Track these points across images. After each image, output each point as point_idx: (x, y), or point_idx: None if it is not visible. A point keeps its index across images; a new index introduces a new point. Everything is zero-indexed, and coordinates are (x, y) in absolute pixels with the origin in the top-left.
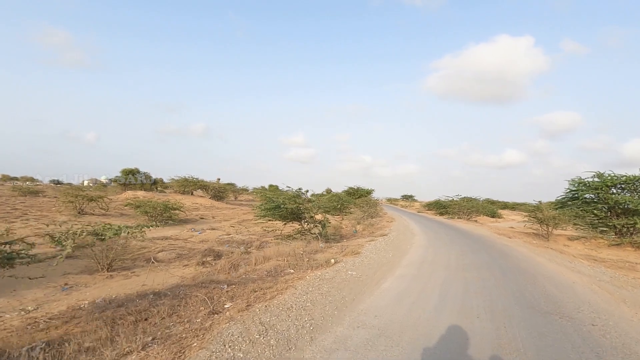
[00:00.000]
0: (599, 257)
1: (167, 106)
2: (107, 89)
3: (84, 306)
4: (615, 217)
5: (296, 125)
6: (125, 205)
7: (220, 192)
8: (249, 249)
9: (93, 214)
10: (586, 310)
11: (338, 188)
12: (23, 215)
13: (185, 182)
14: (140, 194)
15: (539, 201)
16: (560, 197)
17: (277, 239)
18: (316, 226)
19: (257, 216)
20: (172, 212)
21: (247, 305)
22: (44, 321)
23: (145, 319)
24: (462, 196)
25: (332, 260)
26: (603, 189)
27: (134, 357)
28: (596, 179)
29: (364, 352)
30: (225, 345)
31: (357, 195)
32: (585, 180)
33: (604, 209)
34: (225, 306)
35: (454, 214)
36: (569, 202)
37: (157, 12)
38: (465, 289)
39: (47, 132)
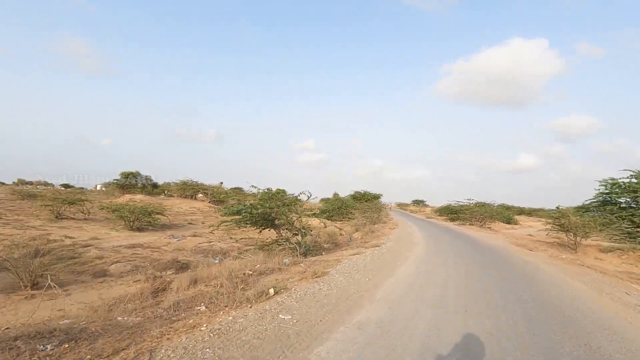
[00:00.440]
0: None
1: (180, 112)
2: (123, 95)
3: None
4: None
5: (307, 130)
6: (101, 209)
7: (219, 196)
8: (223, 260)
9: (73, 218)
10: None
11: (348, 193)
12: None
13: (184, 186)
14: (139, 197)
15: (559, 206)
16: (587, 202)
17: (254, 248)
18: (295, 234)
19: (217, 223)
20: (152, 217)
21: None
22: None
23: None
24: (475, 201)
25: (272, 291)
26: None
27: None
28: (634, 180)
29: None
30: None
31: (364, 200)
32: (620, 181)
33: None
34: None
35: (466, 220)
36: (599, 207)
37: (171, 20)
38: None
39: (65, 137)
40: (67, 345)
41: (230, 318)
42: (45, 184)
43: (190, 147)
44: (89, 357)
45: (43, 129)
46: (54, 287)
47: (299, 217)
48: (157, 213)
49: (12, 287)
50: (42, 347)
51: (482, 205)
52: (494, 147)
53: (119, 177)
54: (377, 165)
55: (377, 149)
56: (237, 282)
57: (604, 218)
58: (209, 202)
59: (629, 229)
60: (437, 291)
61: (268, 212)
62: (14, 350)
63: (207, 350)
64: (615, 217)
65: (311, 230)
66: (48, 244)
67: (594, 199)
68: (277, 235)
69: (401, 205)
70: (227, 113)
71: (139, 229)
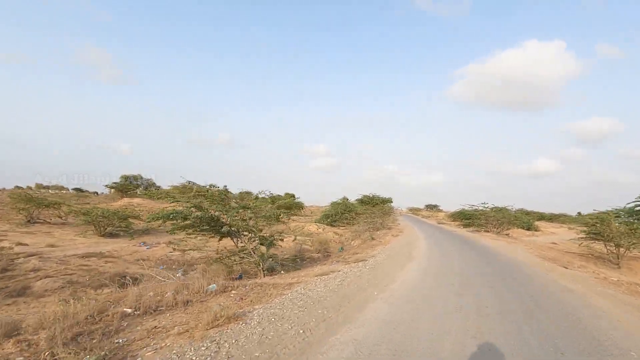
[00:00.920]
0: None
1: (194, 117)
2: (139, 102)
3: None
4: None
5: (320, 134)
6: (68, 213)
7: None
8: (186, 274)
9: (48, 223)
10: None
11: (355, 197)
12: None
13: (183, 189)
14: (137, 200)
15: (579, 212)
16: (631, 204)
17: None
18: (262, 244)
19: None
20: (127, 221)
21: None
22: None
23: None
24: (491, 205)
25: None
26: None
27: None
28: None
29: None
30: None
31: (372, 204)
32: None
33: None
34: None
35: (481, 226)
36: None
37: (184, 27)
38: None
39: (87, 143)
40: None
41: None
42: (61, 188)
43: (204, 152)
44: None
45: (65, 135)
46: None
47: (256, 221)
48: (134, 217)
49: None
50: None
51: (499, 210)
52: (510, 151)
53: (118, 180)
54: (390, 169)
55: (390, 153)
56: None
57: None
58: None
59: None
60: None
61: (214, 216)
62: None
63: None
64: None
65: (277, 242)
66: None
67: (637, 201)
68: (235, 245)
69: (413, 210)
70: (240, 117)
71: (112, 235)
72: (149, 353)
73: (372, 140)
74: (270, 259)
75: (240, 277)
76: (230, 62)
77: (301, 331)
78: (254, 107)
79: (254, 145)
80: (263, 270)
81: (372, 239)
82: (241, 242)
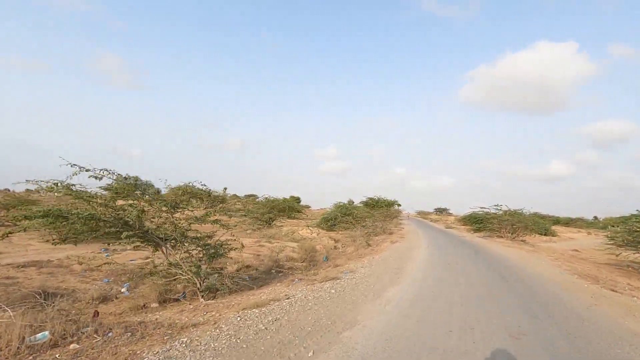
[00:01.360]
0: None
1: (206, 122)
2: (152, 107)
3: None
4: None
5: (330, 138)
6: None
7: (215, 202)
8: (133, 289)
9: (16, 225)
10: None
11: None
12: None
13: (178, 191)
14: (131, 202)
15: (596, 217)
16: None
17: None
18: (202, 253)
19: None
20: None
21: None
22: None
23: None
24: (504, 207)
25: None
26: None
27: None
28: None
29: None
30: None
31: (377, 207)
32: None
33: None
34: None
35: (493, 230)
36: None
37: (195, 32)
38: None
39: (100, 148)
40: None
41: None
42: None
43: (215, 156)
44: None
45: (81, 139)
46: None
47: (173, 221)
48: None
49: None
50: None
51: (512, 213)
52: (522, 154)
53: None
54: (400, 173)
55: (400, 156)
56: None
57: None
58: (204, 208)
59: None
60: None
61: (116, 214)
62: None
63: None
64: None
65: (226, 252)
66: None
67: None
68: (165, 256)
69: (422, 214)
70: (251, 122)
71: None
72: None
73: (382, 144)
74: (217, 275)
75: (184, 296)
76: (241, 66)
77: None
78: (264, 112)
79: (265, 149)
80: (201, 291)
81: (368, 245)
82: (172, 252)
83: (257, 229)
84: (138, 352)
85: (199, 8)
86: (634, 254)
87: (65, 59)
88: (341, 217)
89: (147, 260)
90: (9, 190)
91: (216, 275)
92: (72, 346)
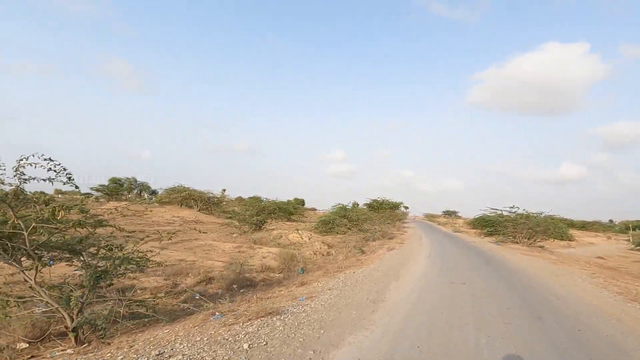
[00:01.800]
0: None
1: (214, 125)
2: (160, 111)
3: None
4: None
5: (337, 141)
6: None
7: (209, 203)
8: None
9: None
10: None
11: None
12: None
13: (173, 192)
14: (123, 204)
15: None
16: None
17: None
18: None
19: None
20: None
21: None
22: None
23: None
24: (520, 209)
25: None
26: None
27: None
28: None
29: None
30: None
31: (381, 209)
32: None
33: None
34: None
35: (507, 235)
36: None
37: (202, 36)
38: None
39: (112, 150)
40: None
41: None
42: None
43: (223, 159)
44: None
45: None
46: None
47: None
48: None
49: None
50: None
51: (530, 216)
52: (532, 157)
53: (106, 183)
54: (407, 176)
55: (407, 159)
56: None
57: None
58: (199, 210)
59: None
60: None
61: None
62: None
63: None
64: None
65: (146, 259)
66: None
67: None
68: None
69: (429, 216)
70: (259, 125)
71: None
72: None
73: (389, 146)
74: (111, 303)
75: (74, 332)
76: (248, 70)
77: None
78: (271, 115)
79: (272, 152)
80: (72, 331)
81: (362, 252)
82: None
83: (243, 233)
84: None
85: (204, 11)
86: None
87: (75, 62)
88: (340, 220)
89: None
90: None
91: (112, 302)
92: None
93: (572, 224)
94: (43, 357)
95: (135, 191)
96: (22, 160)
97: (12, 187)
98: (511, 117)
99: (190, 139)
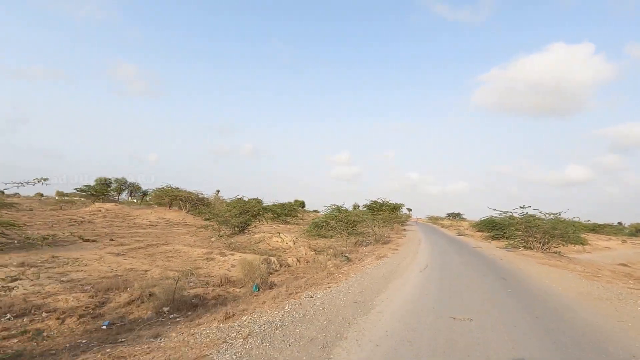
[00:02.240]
0: None
1: (219, 128)
2: (167, 114)
3: None
4: None
5: (341, 144)
6: None
7: (198, 205)
8: None
9: None
10: None
11: (364, 202)
12: None
13: (161, 193)
14: (108, 206)
15: (620, 222)
16: None
17: None
18: None
19: None
20: None
21: None
22: None
23: None
24: (533, 210)
25: None
26: None
27: None
28: None
29: None
30: None
31: (382, 210)
32: None
33: None
34: None
35: (518, 239)
36: None
37: (207, 40)
38: None
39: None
40: None
41: None
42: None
43: (228, 162)
44: None
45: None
46: None
47: None
48: (10, 225)
49: None
50: None
51: (539, 219)
52: (538, 158)
53: (93, 184)
54: (412, 178)
55: (412, 162)
56: None
57: None
58: (187, 211)
59: None
60: None
61: None
62: None
63: None
64: None
65: None
66: None
67: None
68: None
69: (433, 219)
70: (263, 128)
71: None
72: None
73: (393, 149)
74: None
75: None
76: (253, 74)
77: None
78: (276, 118)
79: (277, 155)
80: None
81: (348, 260)
82: None
83: (220, 236)
84: None
85: (208, 16)
86: None
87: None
88: (335, 223)
89: None
90: None
91: None
92: None
93: (582, 227)
94: None
95: (125, 192)
96: None
97: None
98: (516, 119)
99: (196, 141)
